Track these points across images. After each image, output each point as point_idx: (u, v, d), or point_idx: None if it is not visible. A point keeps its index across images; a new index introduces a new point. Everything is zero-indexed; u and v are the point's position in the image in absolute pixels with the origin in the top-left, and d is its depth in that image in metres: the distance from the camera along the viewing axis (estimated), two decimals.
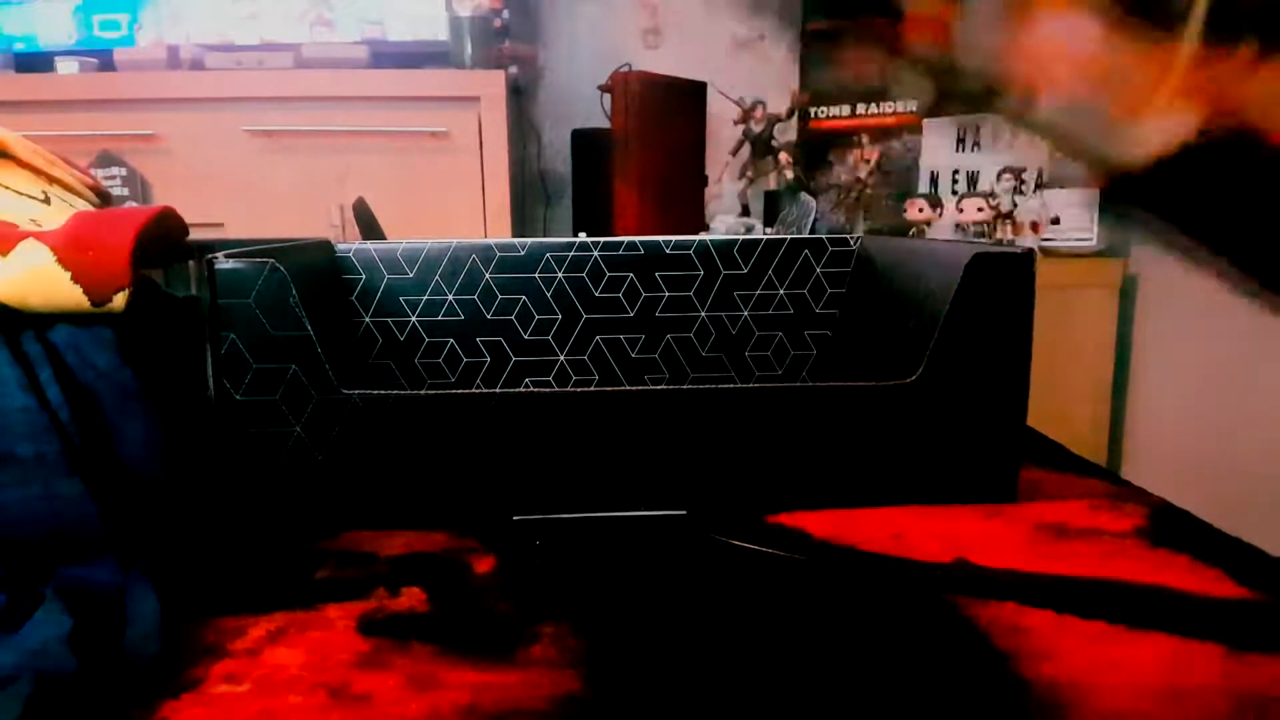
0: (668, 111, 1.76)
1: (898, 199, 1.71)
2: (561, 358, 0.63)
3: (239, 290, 0.43)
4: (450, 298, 0.62)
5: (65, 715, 0.28)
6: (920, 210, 1.53)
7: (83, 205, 0.49)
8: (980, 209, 1.47)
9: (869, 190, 1.81)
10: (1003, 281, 0.46)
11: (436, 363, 0.62)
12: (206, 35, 1.94)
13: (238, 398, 0.44)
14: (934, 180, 1.68)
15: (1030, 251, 0.46)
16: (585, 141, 1.91)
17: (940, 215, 1.53)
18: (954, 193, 1.60)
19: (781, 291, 0.64)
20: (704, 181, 1.87)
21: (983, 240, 1.46)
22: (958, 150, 1.65)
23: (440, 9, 1.88)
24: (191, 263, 0.51)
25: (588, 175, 1.88)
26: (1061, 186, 1.42)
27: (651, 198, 1.72)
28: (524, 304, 0.62)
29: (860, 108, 1.81)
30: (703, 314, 0.64)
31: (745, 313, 0.64)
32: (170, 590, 0.35)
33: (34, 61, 1.91)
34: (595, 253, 0.63)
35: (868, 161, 1.80)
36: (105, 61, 1.85)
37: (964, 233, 1.50)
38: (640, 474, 0.46)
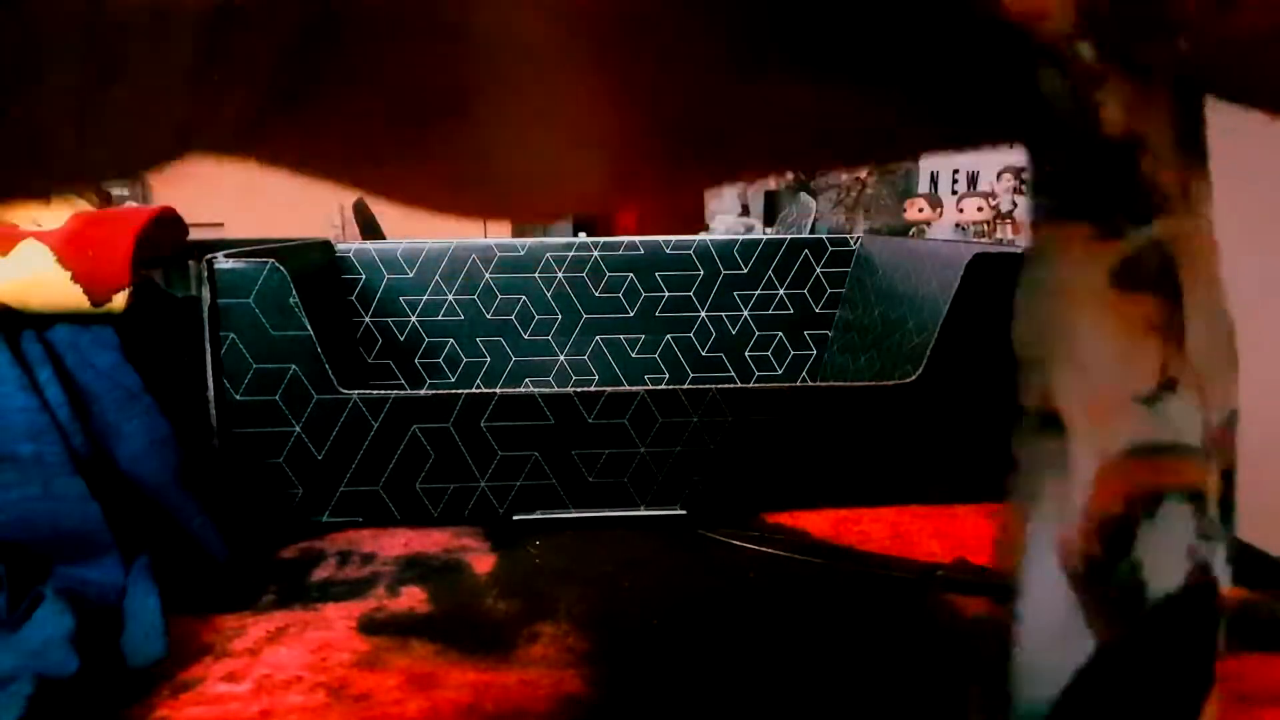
0: None
1: (898, 199, 1.71)
2: (561, 358, 0.63)
3: (239, 290, 0.43)
4: (450, 298, 0.62)
5: (65, 715, 0.28)
6: (920, 210, 1.53)
7: (83, 205, 0.49)
8: (980, 209, 1.47)
9: (869, 190, 1.81)
10: (1003, 281, 0.46)
11: (436, 363, 0.62)
12: None
13: (238, 398, 0.44)
14: (934, 180, 1.68)
15: None
16: None
17: (940, 215, 1.53)
18: (954, 193, 1.60)
19: (781, 291, 0.64)
20: None
21: (983, 240, 1.46)
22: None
23: None
24: (191, 263, 0.51)
25: None
26: None
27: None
28: (524, 304, 0.63)
29: None
30: (703, 314, 0.64)
31: (745, 313, 0.64)
32: (170, 590, 0.35)
33: None
34: (595, 253, 0.63)
35: None
36: None
37: (964, 233, 1.49)
38: (640, 474, 0.46)
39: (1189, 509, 0.15)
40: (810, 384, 0.58)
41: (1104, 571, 0.14)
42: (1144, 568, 0.14)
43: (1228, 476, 0.15)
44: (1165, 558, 0.14)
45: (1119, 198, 0.15)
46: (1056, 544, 0.14)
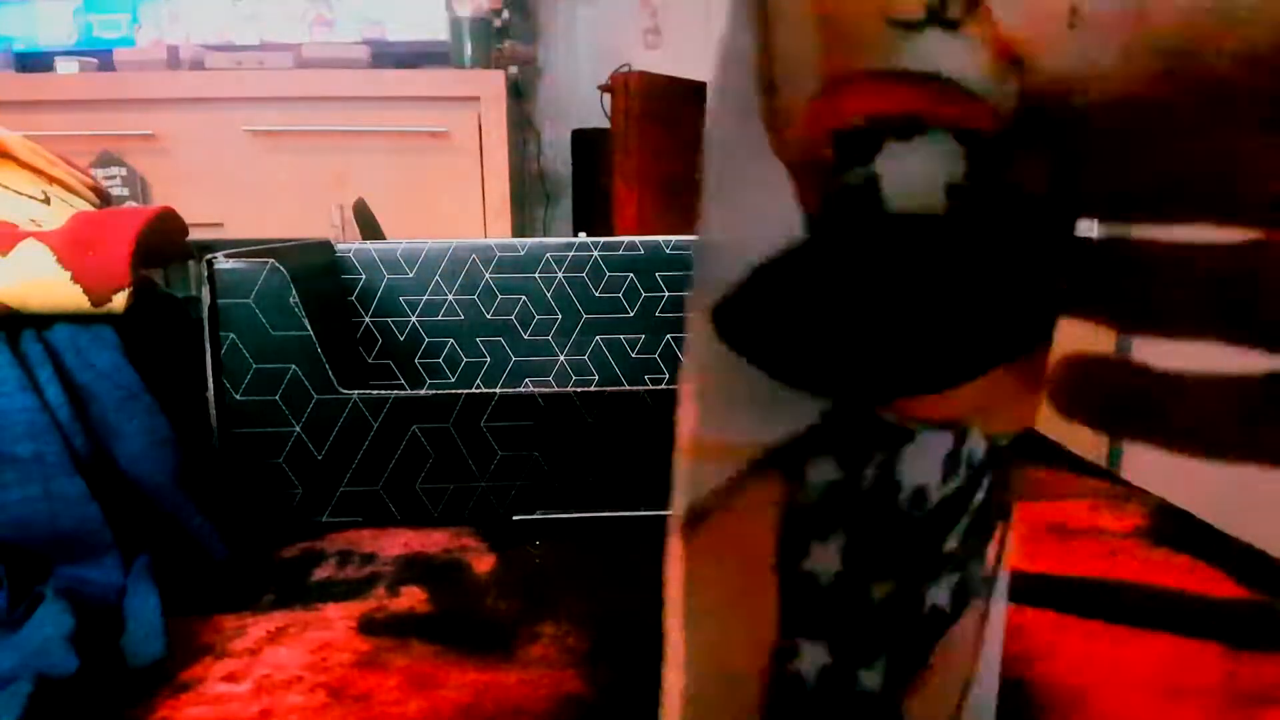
0: (668, 111, 1.76)
1: None
2: (561, 358, 0.63)
3: (239, 290, 0.43)
4: (450, 298, 0.62)
5: (65, 715, 0.28)
6: None
7: (83, 205, 0.49)
8: None
9: None
10: None
11: (436, 363, 0.62)
12: (206, 35, 1.94)
13: (238, 398, 0.44)
14: None
15: None
16: (585, 141, 1.91)
17: None
18: None
19: None
20: None
21: None
22: None
23: (440, 9, 1.88)
24: (191, 263, 0.51)
25: (588, 175, 1.89)
26: None
27: (651, 198, 1.72)
28: (524, 304, 0.63)
29: None
30: None
31: None
32: (170, 590, 0.35)
33: (34, 61, 1.91)
34: (595, 253, 0.63)
35: None
36: (105, 61, 1.85)
37: None
38: (640, 474, 0.46)
39: (954, 145, 0.14)
40: None
41: (832, 171, 0.13)
42: (883, 180, 0.13)
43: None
44: (914, 179, 0.14)
45: None
46: (773, 142, 0.13)
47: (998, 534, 0.17)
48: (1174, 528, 0.44)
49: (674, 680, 0.15)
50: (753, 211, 0.13)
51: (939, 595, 0.16)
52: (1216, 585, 0.38)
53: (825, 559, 0.15)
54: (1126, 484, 0.52)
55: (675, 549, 0.15)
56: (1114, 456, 1.37)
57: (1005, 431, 0.16)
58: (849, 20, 0.13)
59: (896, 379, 0.14)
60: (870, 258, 0.14)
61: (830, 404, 0.14)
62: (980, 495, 0.16)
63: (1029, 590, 0.38)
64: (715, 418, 0.14)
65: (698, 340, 0.14)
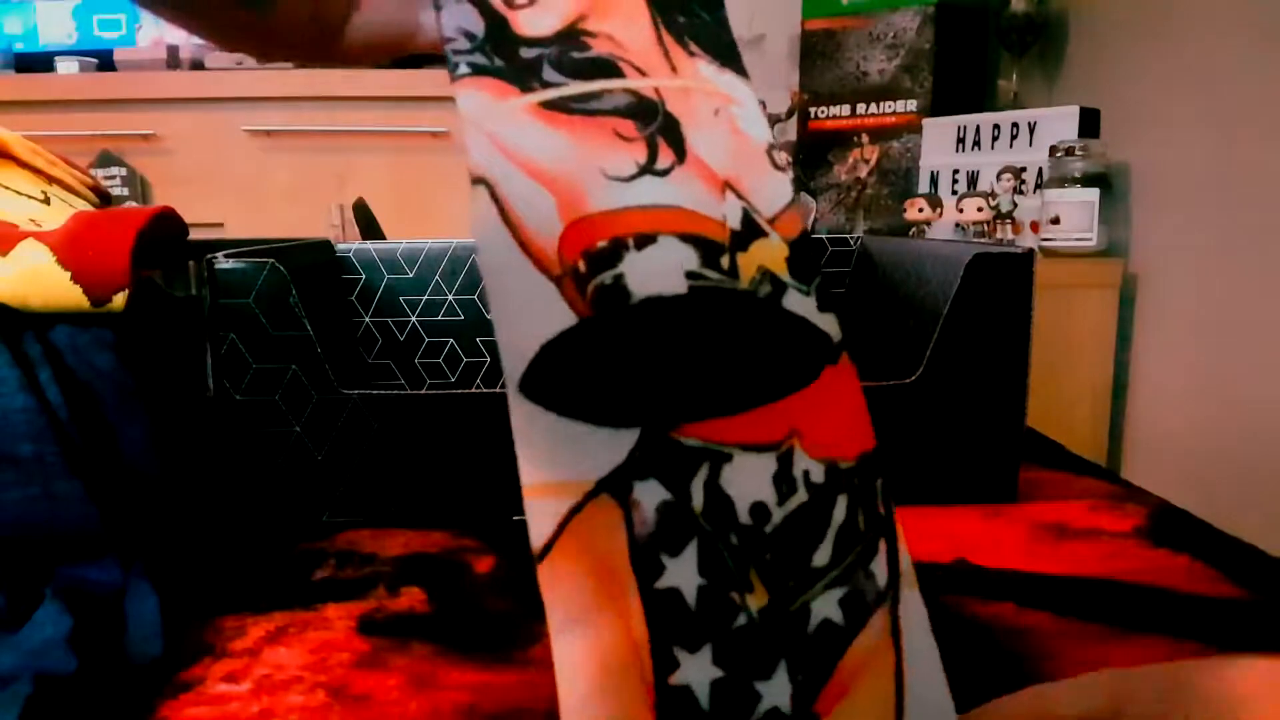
0: None
1: (898, 199, 1.71)
2: None
3: (239, 290, 0.43)
4: (450, 298, 0.62)
5: (65, 715, 0.28)
6: (920, 210, 1.53)
7: (83, 205, 0.49)
8: (980, 209, 1.47)
9: (869, 190, 1.81)
10: (1003, 281, 0.46)
11: (436, 363, 0.62)
12: None
13: (238, 398, 0.44)
14: (934, 180, 1.68)
15: (1030, 251, 0.46)
16: None
17: (940, 215, 1.53)
18: (954, 193, 1.60)
19: None
20: None
21: (983, 240, 1.46)
22: (958, 150, 1.65)
23: None
24: (191, 263, 0.51)
25: None
26: (1061, 186, 1.42)
27: None
28: None
29: (860, 108, 1.81)
30: None
31: None
32: (170, 590, 0.35)
33: (34, 61, 1.91)
34: None
35: (867, 161, 1.80)
36: (105, 61, 1.85)
37: (964, 233, 1.49)
38: None
39: (688, 249, 0.18)
40: None
41: (586, 278, 0.18)
42: (627, 278, 0.18)
43: (799, 244, 0.20)
44: (654, 275, 0.18)
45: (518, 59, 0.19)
46: (531, 261, 0.18)
47: (882, 550, 0.18)
48: (1174, 528, 0.44)
49: (561, 696, 0.17)
50: (534, 315, 0.17)
51: (826, 608, 0.17)
52: (1216, 585, 0.38)
53: (683, 574, 0.16)
54: (1126, 484, 0.52)
55: (539, 581, 0.17)
56: (1114, 456, 1.37)
57: (839, 457, 0.18)
58: (575, 182, 0.18)
59: (678, 408, 0.17)
60: (623, 328, 0.18)
61: (637, 436, 0.17)
62: (841, 514, 0.18)
63: (1029, 591, 0.38)
64: (546, 465, 0.17)
65: (516, 412, 0.17)
